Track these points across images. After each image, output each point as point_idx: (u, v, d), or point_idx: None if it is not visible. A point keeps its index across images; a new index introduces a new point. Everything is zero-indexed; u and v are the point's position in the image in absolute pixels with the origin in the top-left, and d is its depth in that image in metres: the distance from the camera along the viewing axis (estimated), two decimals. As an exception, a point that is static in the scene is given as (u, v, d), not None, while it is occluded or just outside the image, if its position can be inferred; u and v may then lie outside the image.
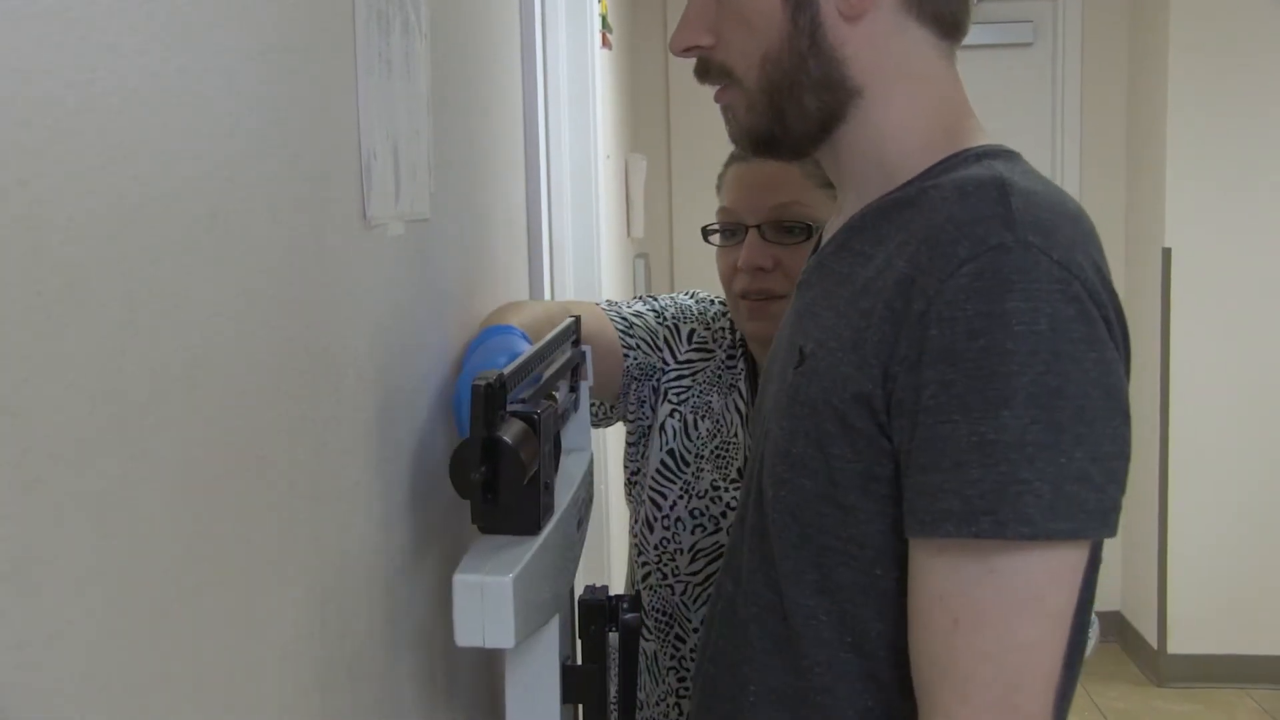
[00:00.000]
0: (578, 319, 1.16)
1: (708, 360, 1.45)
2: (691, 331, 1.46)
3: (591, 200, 2.55)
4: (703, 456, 1.41)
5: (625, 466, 1.51)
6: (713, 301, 1.51)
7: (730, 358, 1.44)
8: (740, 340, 1.44)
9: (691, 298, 1.51)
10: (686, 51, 0.98)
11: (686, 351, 1.45)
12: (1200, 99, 3.84)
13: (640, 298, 1.51)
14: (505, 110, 1.49)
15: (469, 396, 0.97)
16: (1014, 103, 4.26)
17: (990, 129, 0.96)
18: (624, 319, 1.44)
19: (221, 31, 0.62)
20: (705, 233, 1.43)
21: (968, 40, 0.98)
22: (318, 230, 0.76)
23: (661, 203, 4.31)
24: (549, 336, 1.05)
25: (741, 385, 1.43)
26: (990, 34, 4.16)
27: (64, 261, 0.46)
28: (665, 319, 1.46)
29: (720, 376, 1.43)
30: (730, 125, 1.00)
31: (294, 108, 0.73)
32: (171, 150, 0.56)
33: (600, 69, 2.70)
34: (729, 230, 1.39)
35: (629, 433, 1.49)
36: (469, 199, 1.24)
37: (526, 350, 1.02)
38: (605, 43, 2.86)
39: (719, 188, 1.42)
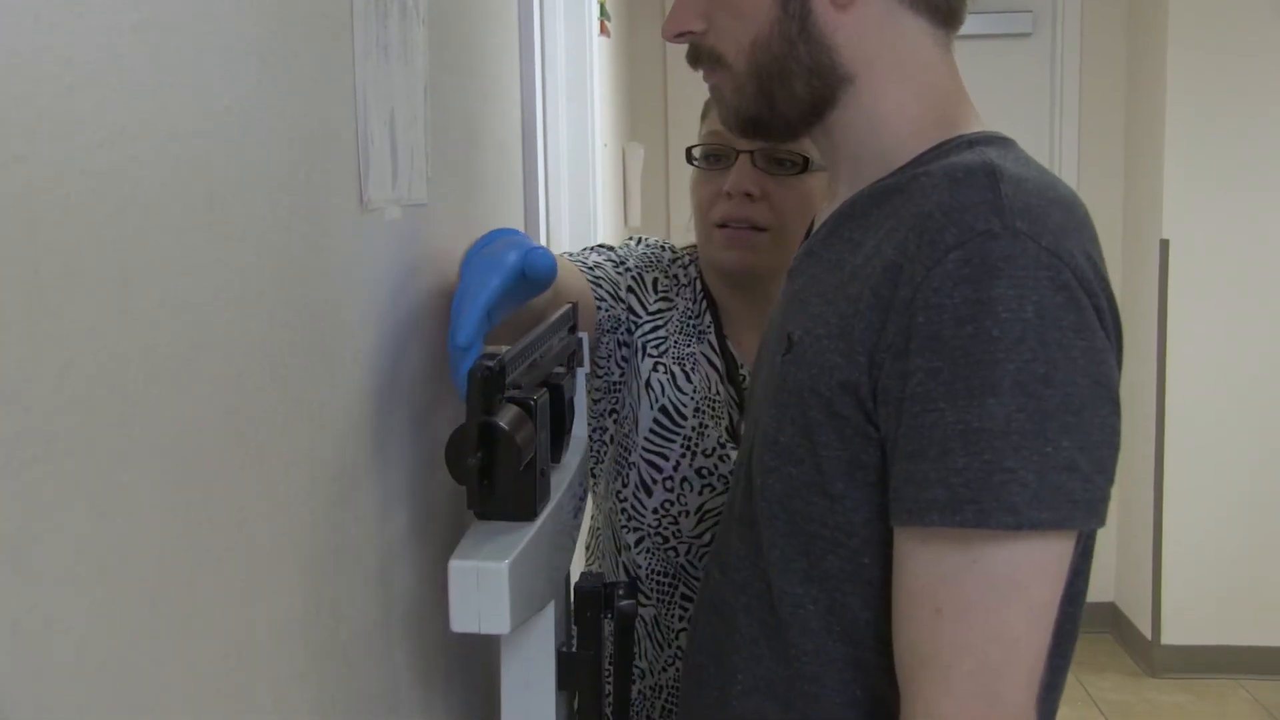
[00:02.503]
0: (574, 305, 1.16)
1: (671, 308, 1.39)
2: (655, 280, 1.40)
3: (589, 189, 2.55)
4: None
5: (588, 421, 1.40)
6: (664, 248, 1.45)
7: (693, 305, 1.39)
8: (703, 289, 1.39)
9: (641, 244, 1.45)
10: (678, 37, 0.98)
11: (655, 301, 1.40)
12: (1199, 91, 3.84)
13: (593, 248, 1.44)
14: (503, 97, 1.49)
15: (464, 307, 0.92)
16: (1012, 93, 4.25)
17: (988, 120, 0.96)
18: (589, 269, 1.35)
19: (219, 12, 0.62)
20: (689, 154, 1.37)
21: (966, 30, 0.98)
22: (315, 213, 0.76)
23: (658, 192, 4.31)
24: (548, 322, 1.05)
25: (711, 338, 1.38)
26: (989, 24, 4.15)
27: (60, 242, 0.46)
28: (628, 268, 1.40)
29: (690, 325, 1.38)
30: (719, 106, 1.00)
31: (291, 91, 0.73)
32: (168, 131, 0.56)
33: (598, 57, 2.70)
34: (715, 155, 1.33)
35: (593, 389, 1.41)
36: (466, 185, 1.23)
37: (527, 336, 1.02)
38: (603, 30, 2.85)
39: (705, 112, 1.36)
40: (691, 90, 4.21)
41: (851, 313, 0.86)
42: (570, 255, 1.41)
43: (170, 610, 0.56)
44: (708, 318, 1.39)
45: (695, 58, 0.99)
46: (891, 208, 0.89)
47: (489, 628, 0.82)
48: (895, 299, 0.83)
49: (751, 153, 1.30)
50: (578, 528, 1.11)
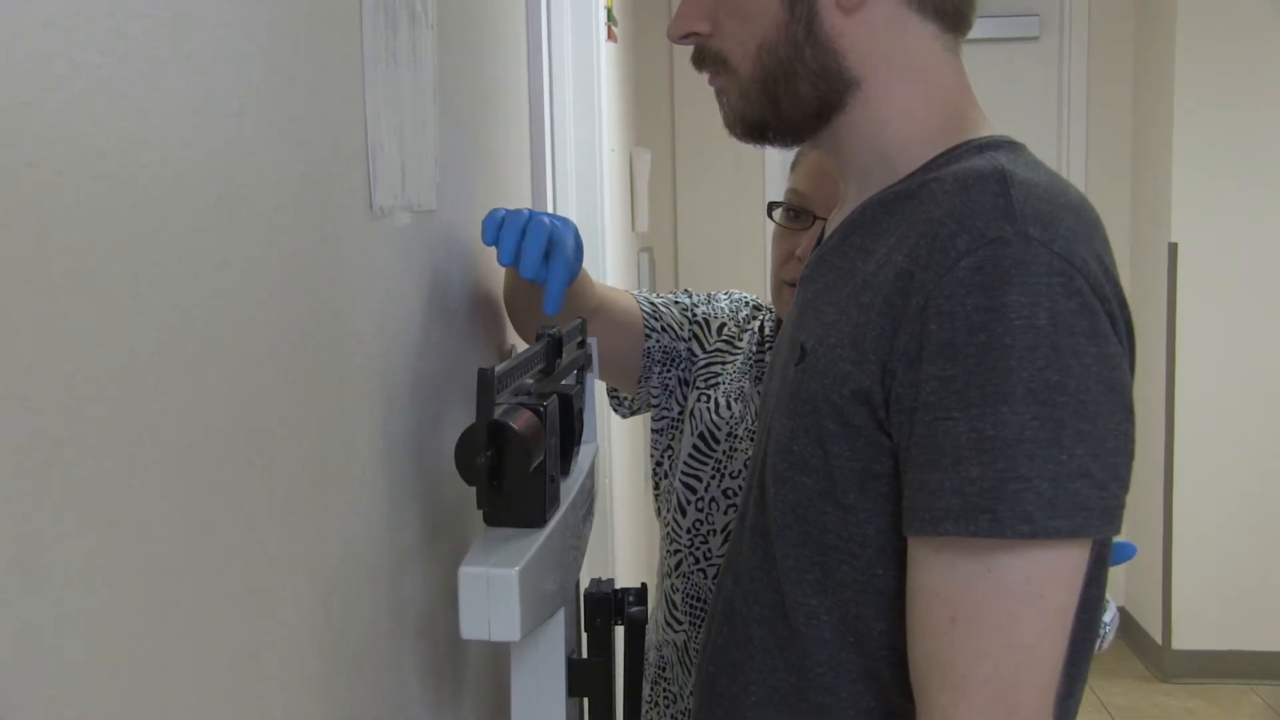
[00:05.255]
0: (583, 321, 1.16)
1: (736, 353, 1.44)
2: (721, 326, 1.46)
3: (596, 194, 2.54)
4: (735, 435, 1.39)
5: (650, 455, 1.50)
6: (747, 303, 1.50)
7: (759, 351, 1.43)
8: (769, 337, 1.43)
9: (727, 297, 1.51)
10: (683, 39, 0.98)
11: (716, 342, 1.45)
12: (1207, 95, 3.83)
13: (674, 294, 1.51)
14: (511, 103, 1.49)
15: (503, 219, 1.13)
16: (1020, 97, 4.25)
17: (995, 124, 0.96)
18: (651, 303, 1.45)
19: (228, 18, 0.62)
20: (770, 207, 1.40)
21: (972, 34, 0.97)
22: (324, 218, 0.76)
23: (666, 197, 4.31)
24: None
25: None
26: (996, 28, 4.15)
27: (70, 245, 0.46)
28: (695, 316, 1.46)
29: (750, 367, 1.43)
30: (724, 110, 0.99)
31: (300, 96, 0.72)
32: (178, 135, 0.56)
33: (605, 62, 2.70)
34: (795, 213, 1.35)
35: (654, 420, 1.48)
36: (475, 191, 1.23)
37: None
38: (610, 36, 2.85)
39: (794, 165, 1.38)
40: (698, 96, 4.22)
41: (864, 321, 0.85)
42: (641, 293, 1.48)
43: (180, 615, 0.56)
44: (767, 359, 1.42)
45: (700, 60, 0.98)
46: (903, 214, 0.89)
47: (499, 635, 0.82)
48: (907, 307, 0.82)
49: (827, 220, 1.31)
50: (587, 534, 1.10)
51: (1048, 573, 0.79)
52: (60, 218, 0.45)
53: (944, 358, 0.79)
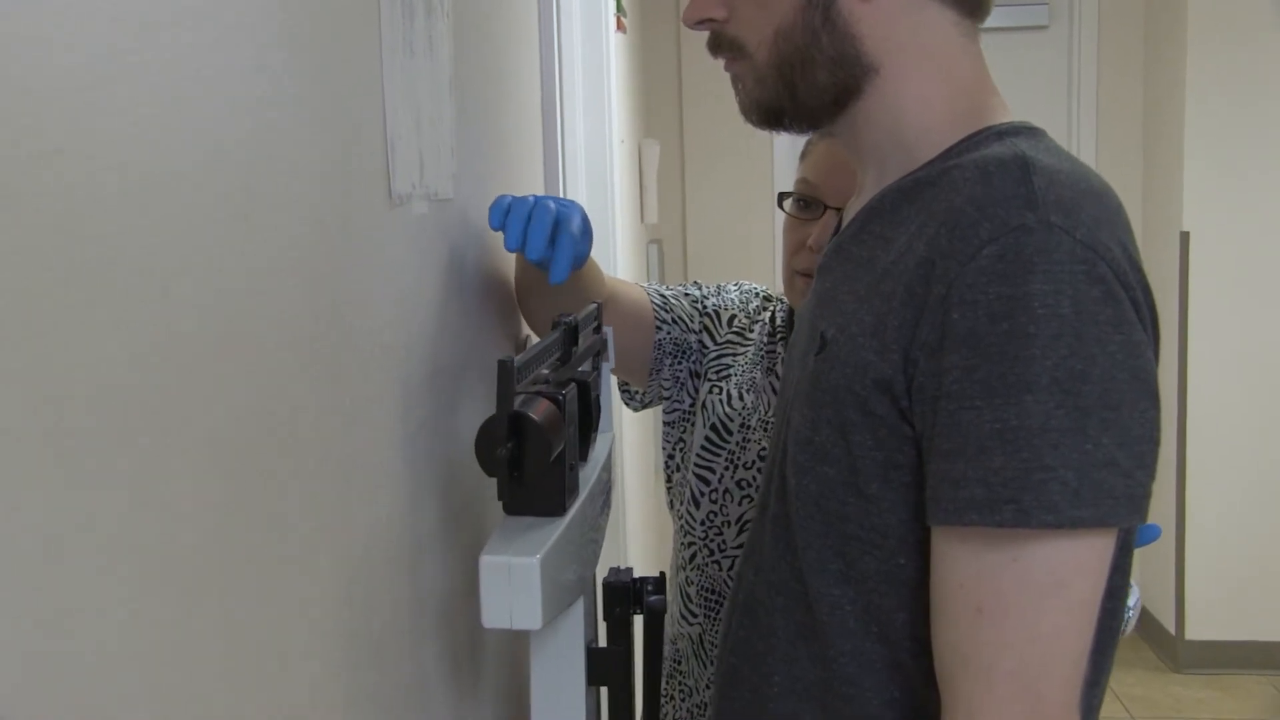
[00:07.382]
0: (599, 305, 1.16)
1: (747, 344, 1.44)
2: (732, 318, 1.45)
3: (606, 185, 2.54)
4: (749, 426, 1.38)
5: (662, 448, 1.50)
6: (756, 294, 1.50)
7: (771, 341, 1.42)
8: (781, 328, 1.43)
9: (736, 288, 1.50)
10: (699, 24, 0.97)
11: (726, 334, 1.44)
12: (1218, 81, 3.81)
13: (683, 286, 1.50)
14: (524, 94, 1.49)
15: (509, 205, 1.11)
16: (1029, 86, 4.23)
17: (1006, 112, 0.95)
18: (661, 295, 1.44)
19: (248, 9, 0.62)
20: (781, 198, 1.40)
21: (980, 23, 0.97)
22: (345, 208, 0.76)
23: (675, 189, 4.30)
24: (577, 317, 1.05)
25: (778, 367, 1.42)
26: (1005, 16, 4.13)
27: (97, 235, 0.46)
28: (705, 308, 1.45)
29: (761, 358, 1.42)
30: (739, 96, 0.98)
31: (320, 87, 0.72)
32: (203, 126, 0.56)
33: (614, 53, 2.69)
34: (805, 203, 1.34)
35: (665, 412, 1.48)
36: (490, 180, 1.23)
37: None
38: (619, 27, 2.84)
39: (804, 154, 1.37)
40: (707, 87, 4.22)
41: (885, 310, 0.85)
42: (651, 286, 1.47)
43: (206, 605, 0.56)
44: (780, 349, 1.41)
45: (716, 46, 0.98)
46: (923, 202, 0.88)
47: (521, 623, 0.82)
48: (929, 296, 0.81)
49: (840, 209, 1.30)
50: (605, 523, 1.10)
51: (1073, 562, 0.79)
52: (85, 207, 0.45)
53: (967, 347, 0.79)
